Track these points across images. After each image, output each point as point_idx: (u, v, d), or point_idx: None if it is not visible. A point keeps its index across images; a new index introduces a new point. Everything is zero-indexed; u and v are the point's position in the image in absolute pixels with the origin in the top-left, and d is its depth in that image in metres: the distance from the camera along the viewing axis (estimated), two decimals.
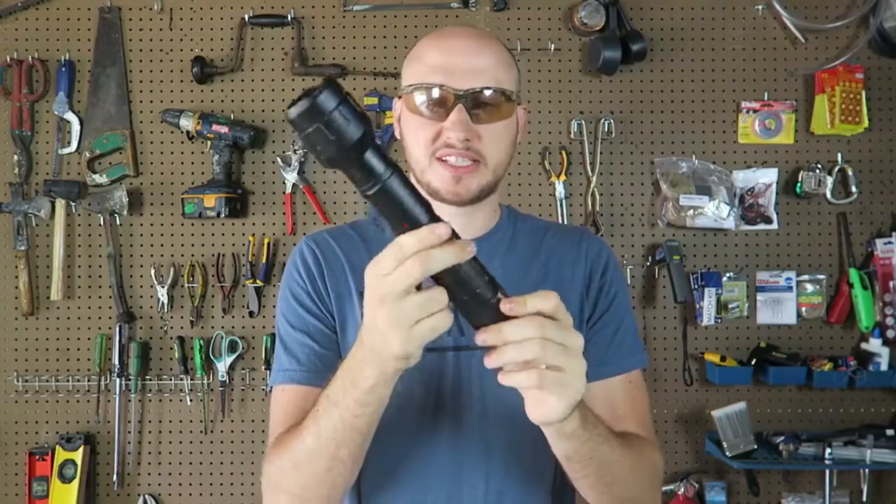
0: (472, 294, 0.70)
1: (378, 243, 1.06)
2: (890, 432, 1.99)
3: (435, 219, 0.69)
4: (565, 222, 2.08)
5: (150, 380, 2.10)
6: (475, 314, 0.72)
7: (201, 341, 2.07)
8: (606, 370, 1.06)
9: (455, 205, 1.00)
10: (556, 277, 1.07)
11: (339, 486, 0.90)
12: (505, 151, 1.02)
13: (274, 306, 2.05)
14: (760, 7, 2.11)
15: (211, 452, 2.11)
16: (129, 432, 2.09)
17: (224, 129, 2.03)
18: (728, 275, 2.09)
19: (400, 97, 1.04)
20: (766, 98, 2.11)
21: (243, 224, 2.11)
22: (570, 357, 0.72)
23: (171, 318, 2.11)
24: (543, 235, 1.12)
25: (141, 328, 2.11)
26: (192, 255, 2.11)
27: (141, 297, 2.11)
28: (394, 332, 0.69)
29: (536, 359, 0.70)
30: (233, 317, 2.11)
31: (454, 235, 0.68)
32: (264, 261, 2.08)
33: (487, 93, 0.97)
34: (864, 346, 2.08)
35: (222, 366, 2.07)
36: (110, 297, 2.09)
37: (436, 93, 0.97)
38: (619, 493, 0.93)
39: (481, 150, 0.97)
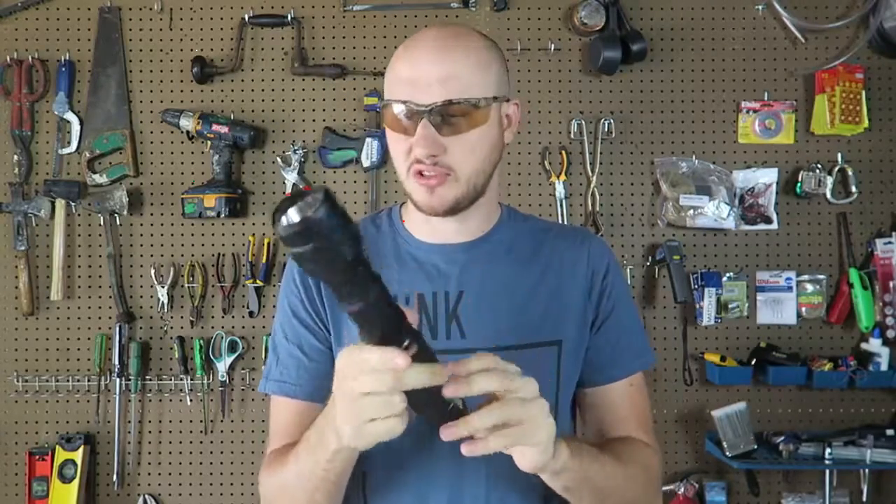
0: (432, 403, 0.76)
1: (375, 243, 1.07)
2: (890, 432, 1.99)
3: (409, 333, 0.72)
4: (565, 222, 2.08)
5: (150, 380, 2.10)
6: (429, 415, 0.78)
7: (201, 341, 2.07)
8: (609, 374, 1.07)
9: (434, 216, 0.99)
10: (557, 278, 1.07)
11: None
12: (481, 159, 0.98)
13: (274, 306, 2.05)
14: (760, 7, 2.11)
15: (211, 452, 2.11)
16: (129, 432, 2.09)
17: (224, 129, 2.03)
18: (728, 275, 2.09)
19: None
20: (766, 98, 2.11)
21: (243, 224, 2.11)
22: (526, 406, 0.77)
23: (171, 318, 2.11)
24: (544, 236, 1.11)
25: (141, 328, 2.11)
26: (192, 255, 2.11)
27: (141, 297, 2.11)
28: (347, 424, 0.76)
29: (499, 421, 0.76)
30: (233, 317, 2.10)
31: (431, 358, 0.74)
32: (264, 261, 2.08)
33: (453, 105, 0.93)
34: (864, 346, 2.08)
35: (222, 366, 2.07)
36: (110, 297, 2.09)
37: (402, 108, 0.94)
38: (616, 502, 0.97)
39: (451, 163, 0.95)
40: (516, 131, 1.06)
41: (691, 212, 2.05)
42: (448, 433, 0.76)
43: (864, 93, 2.06)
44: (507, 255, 1.07)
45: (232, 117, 2.09)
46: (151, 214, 2.12)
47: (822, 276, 2.10)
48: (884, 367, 2.03)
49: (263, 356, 2.07)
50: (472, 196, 1.00)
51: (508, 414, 0.76)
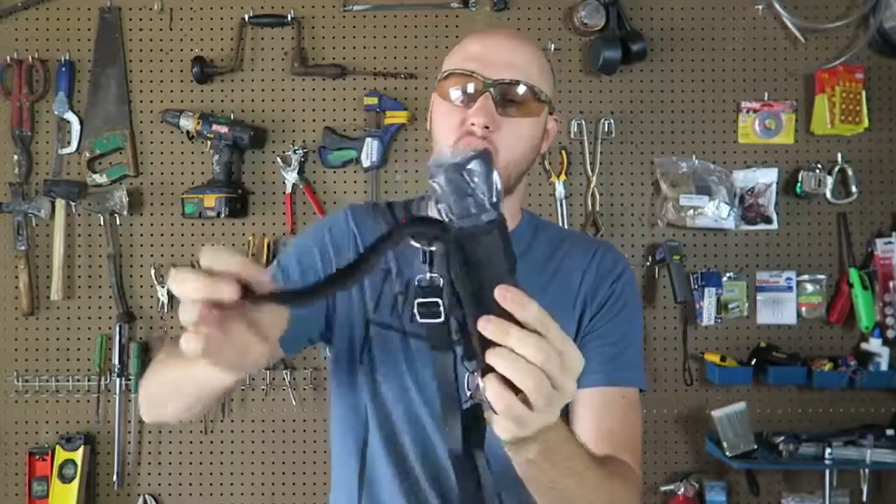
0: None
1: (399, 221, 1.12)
2: (890, 432, 1.99)
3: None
4: (565, 222, 2.08)
5: None
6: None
7: None
8: (598, 378, 1.02)
9: None
10: (564, 283, 1.06)
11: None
12: (522, 150, 1.01)
13: None
14: (760, 7, 2.11)
15: (211, 452, 2.11)
16: (129, 432, 2.09)
17: (224, 129, 2.03)
18: (728, 275, 2.09)
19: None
20: (766, 98, 2.11)
21: (243, 224, 2.11)
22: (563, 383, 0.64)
23: (171, 318, 2.10)
24: (561, 243, 1.11)
25: (141, 328, 2.11)
26: (192, 255, 2.11)
27: (141, 297, 2.11)
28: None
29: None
30: None
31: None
32: (264, 261, 2.08)
33: (517, 86, 0.98)
34: (864, 346, 2.08)
35: None
36: (110, 297, 2.09)
37: (466, 79, 0.98)
38: None
39: (497, 141, 0.97)
40: (547, 147, 1.09)
41: (691, 212, 2.05)
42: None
43: (864, 93, 2.06)
44: (521, 259, 1.07)
45: (232, 117, 2.09)
46: (151, 214, 2.12)
47: (822, 276, 2.10)
48: (884, 367, 2.03)
49: None
50: (504, 185, 1.01)
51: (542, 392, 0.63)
